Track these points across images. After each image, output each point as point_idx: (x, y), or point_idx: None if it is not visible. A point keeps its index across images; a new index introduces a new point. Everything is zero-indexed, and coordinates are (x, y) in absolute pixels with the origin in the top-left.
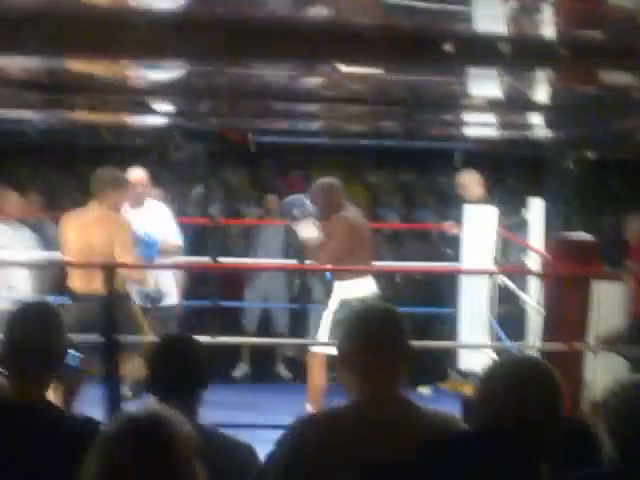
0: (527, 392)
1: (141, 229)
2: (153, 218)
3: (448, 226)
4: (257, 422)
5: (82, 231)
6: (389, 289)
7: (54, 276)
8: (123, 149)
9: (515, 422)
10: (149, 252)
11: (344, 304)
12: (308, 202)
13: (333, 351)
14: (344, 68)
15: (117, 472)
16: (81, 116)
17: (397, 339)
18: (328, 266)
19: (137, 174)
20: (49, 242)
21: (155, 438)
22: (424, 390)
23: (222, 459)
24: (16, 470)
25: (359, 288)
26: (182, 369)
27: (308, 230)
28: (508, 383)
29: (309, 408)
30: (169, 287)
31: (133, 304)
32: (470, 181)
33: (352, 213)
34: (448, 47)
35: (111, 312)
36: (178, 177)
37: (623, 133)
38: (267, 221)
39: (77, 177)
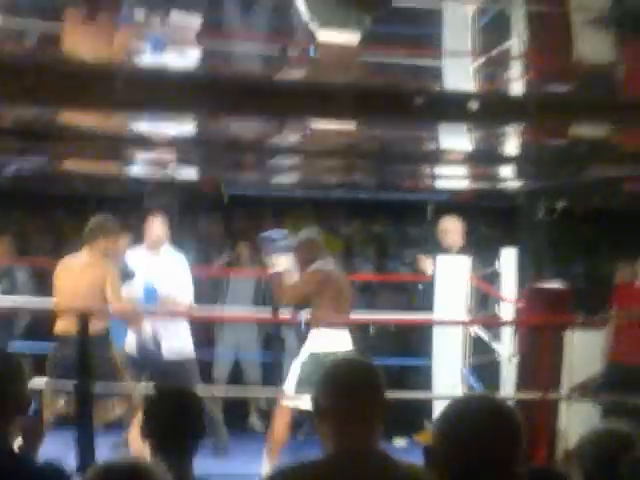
0: (483, 428)
1: (148, 276)
2: (166, 267)
3: (422, 261)
4: (231, 472)
5: (69, 276)
6: (363, 340)
7: (30, 321)
8: (96, 197)
9: (477, 461)
10: (148, 301)
11: (313, 357)
12: (288, 238)
13: (301, 404)
14: (319, 125)
15: None
16: (56, 165)
17: (372, 391)
18: (302, 317)
19: (157, 221)
20: (19, 288)
21: None
22: (399, 442)
23: None
24: None
25: (332, 341)
26: (178, 420)
27: (283, 263)
28: (464, 422)
29: (266, 460)
30: (184, 341)
31: (112, 350)
32: (453, 228)
33: (327, 266)
34: (419, 102)
35: (84, 356)
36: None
37: (592, 183)
38: (238, 270)
39: (50, 223)
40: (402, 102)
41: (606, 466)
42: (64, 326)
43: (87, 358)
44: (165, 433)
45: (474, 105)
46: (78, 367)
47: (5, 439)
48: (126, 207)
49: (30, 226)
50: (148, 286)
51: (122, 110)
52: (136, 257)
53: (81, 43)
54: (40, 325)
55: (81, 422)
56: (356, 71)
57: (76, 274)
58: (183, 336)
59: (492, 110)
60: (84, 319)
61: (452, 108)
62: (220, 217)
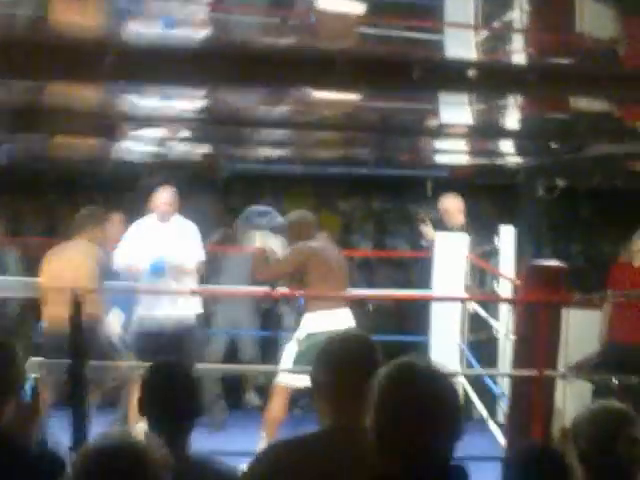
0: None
1: (158, 245)
2: (176, 235)
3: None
4: (228, 449)
5: (58, 263)
6: (361, 317)
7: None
8: (93, 176)
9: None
10: (154, 273)
11: (310, 337)
12: (278, 216)
13: (297, 383)
14: (316, 94)
15: None
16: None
17: (369, 368)
18: (298, 293)
19: (163, 193)
20: (9, 270)
21: (121, 465)
22: None
23: None
24: None
25: (329, 321)
26: (173, 396)
27: (265, 240)
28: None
29: (263, 437)
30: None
31: (107, 333)
32: (454, 207)
33: (318, 243)
34: (418, 70)
35: (76, 337)
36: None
37: (593, 160)
38: (233, 248)
39: (44, 204)
40: (401, 70)
41: (602, 444)
42: (54, 312)
43: (80, 339)
44: (161, 409)
45: (473, 73)
46: (71, 348)
47: None
48: (119, 189)
49: (22, 208)
50: (156, 261)
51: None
52: (146, 226)
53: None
54: (31, 308)
55: (75, 402)
56: (354, 42)
57: (64, 262)
58: (190, 307)
59: (491, 79)
60: (77, 300)
61: (451, 76)
62: (218, 195)
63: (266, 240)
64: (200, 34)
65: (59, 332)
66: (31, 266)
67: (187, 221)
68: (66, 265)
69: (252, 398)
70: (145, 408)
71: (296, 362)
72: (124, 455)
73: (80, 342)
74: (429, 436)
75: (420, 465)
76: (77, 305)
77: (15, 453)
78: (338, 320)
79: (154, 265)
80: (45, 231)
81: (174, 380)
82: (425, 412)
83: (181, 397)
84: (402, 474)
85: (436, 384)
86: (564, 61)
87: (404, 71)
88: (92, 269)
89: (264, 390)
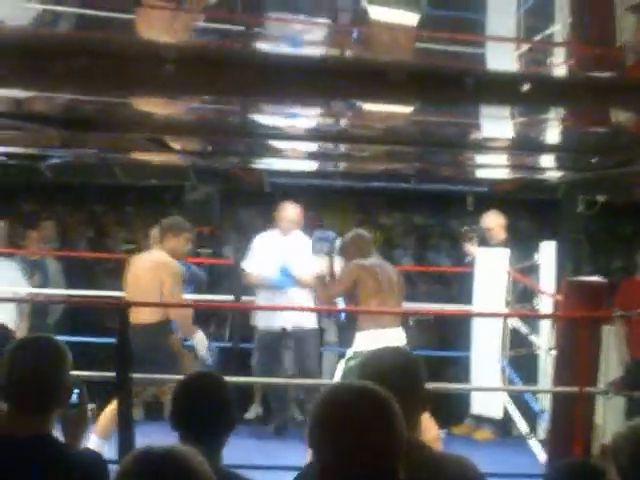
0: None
1: (281, 258)
2: (297, 249)
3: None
4: (270, 464)
5: (135, 272)
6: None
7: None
8: (137, 189)
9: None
10: (283, 281)
11: (357, 355)
12: (336, 240)
13: None
14: (367, 107)
15: None
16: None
17: (413, 383)
18: (342, 307)
19: (288, 209)
20: (51, 280)
21: (170, 475)
22: None
23: None
24: None
25: (378, 340)
26: (209, 409)
27: (317, 265)
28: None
29: (307, 451)
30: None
31: (171, 338)
32: (497, 224)
33: (370, 261)
34: (469, 82)
35: (123, 347)
36: (192, 217)
37: (633, 175)
38: None
39: (90, 215)
40: (452, 83)
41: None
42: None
43: (127, 350)
44: (193, 421)
45: (526, 87)
46: (117, 357)
47: (42, 423)
48: (168, 199)
49: (69, 218)
50: (284, 267)
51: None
52: (270, 239)
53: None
54: (72, 317)
55: (121, 412)
56: (409, 54)
57: (140, 271)
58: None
59: (543, 92)
60: (124, 311)
61: (504, 89)
62: (261, 208)
63: (318, 264)
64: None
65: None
66: (74, 277)
67: (306, 236)
68: (143, 274)
69: (294, 413)
70: (177, 420)
71: (342, 379)
72: (171, 461)
73: (127, 353)
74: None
75: None
76: (124, 317)
77: (60, 458)
78: (388, 340)
79: (283, 269)
80: (90, 243)
81: (207, 392)
82: (353, 436)
83: (214, 409)
84: None
85: (362, 407)
86: (607, 74)
87: (456, 84)
88: (165, 280)
89: (303, 404)
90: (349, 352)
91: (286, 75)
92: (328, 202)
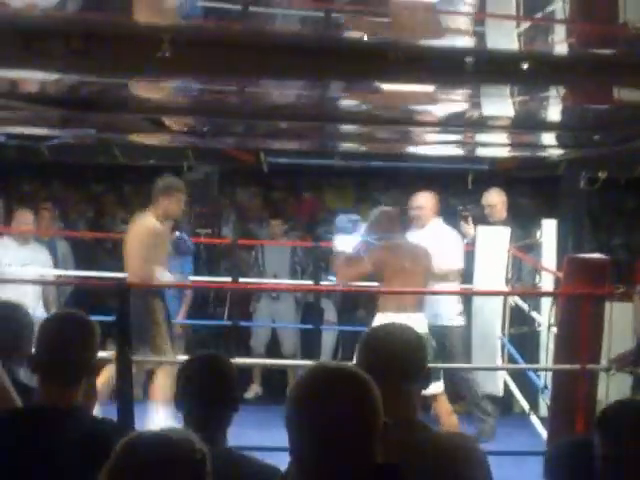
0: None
1: None
2: (432, 241)
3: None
4: (270, 444)
5: (125, 238)
6: None
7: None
8: (136, 169)
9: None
10: None
11: None
12: (358, 221)
13: None
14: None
15: None
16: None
17: (413, 360)
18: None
19: (421, 198)
20: (60, 260)
21: (157, 460)
22: None
23: None
24: (46, 471)
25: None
26: (213, 389)
27: (345, 244)
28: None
29: None
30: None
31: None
32: (500, 201)
33: (397, 241)
34: (470, 61)
35: (124, 327)
36: (191, 197)
37: (635, 152)
38: (278, 243)
39: (89, 195)
40: (453, 62)
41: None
42: None
43: (126, 327)
44: (196, 401)
45: (525, 65)
46: (117, 335)
47: (72, 395)
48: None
49: (70, 198)
50: None
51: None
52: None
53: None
54: (83, 297)
55: (121, 391)
56: (433, 32)
57: (127, 237)
58: (443, 304)
59: (544, 70)
60: (123, 291)
61: (504, 68)
62: (259, 188)
63: (345, 244)
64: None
65: None
66: (80, 257)
67: (446, 227)
68: (127, 239)
69: (255, 389)
70: (180, 401)
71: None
72: (165, 446)
73: (126, 332)
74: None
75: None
76: (124, 297)
77: (88, 428)
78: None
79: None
80: (89, 223)
81: (212, 373)
82: (324, 428)
83: (218, 390)
84: None
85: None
86: (608, 51)
87: (456, 63)
88: (140, 245)
89: None
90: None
91: (285, 55)
92: (327, 181)
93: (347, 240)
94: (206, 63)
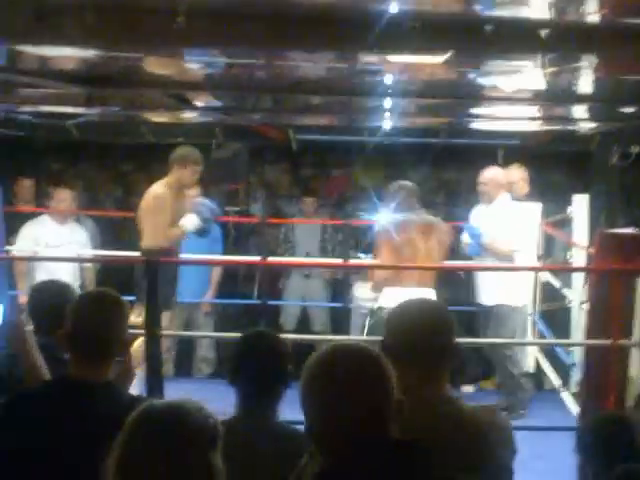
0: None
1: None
2: (496, 217)
3: None
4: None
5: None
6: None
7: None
8: (164, 147)
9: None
10: (473, 248)
11: (381, 310)
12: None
13: None
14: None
15: (130, 459)
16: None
17: (443, 336)
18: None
19: (487, 173)
20: (90, 239)
21: (168, 431)
22: (467, 388)
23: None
24: (74, 445)
25: (404, 298)
26: (267, 366)
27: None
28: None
29: None
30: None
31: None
32: (519, 178)
33: (406, 217)
34: (489, 29)
35: (152, 305)
36: (219, 175)
37: None
38: (309, 221)
39: (118, 174)
40: (472, 30)
41: None
42: None
43: (155, 304)
44: (249, 377)
45: (545, 32)
46: (146, 312)
47: (104, 374)
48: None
49: (97, 177)
50: (472, 228)
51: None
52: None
53: None
54: (108, 276)
55: (150, 368)
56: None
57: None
58: (510, 284)
59: (564, 38)
60: (152, 267)
61: (523, 36)
62: (288, 166)
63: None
64: None
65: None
66: (107, 236)
67: (515, 203)
68: (139, 211)
69: None
70: (233, 376)
71: (368, 334)
72: (174, 414)
73: (155, 309)
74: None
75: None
76: (153, 273)
77: (120, 404)
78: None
79: (470, 229)
80: (118, 202)
81: (266, 349)
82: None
83: (272, 365)
84: (339, 467)
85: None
86: (636, 20)
87: (474, 31)
88: (147, 212)
89: None
90: (374, 308)
91: (299, 24)
92: (356, 158)
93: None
94: (223, 34)
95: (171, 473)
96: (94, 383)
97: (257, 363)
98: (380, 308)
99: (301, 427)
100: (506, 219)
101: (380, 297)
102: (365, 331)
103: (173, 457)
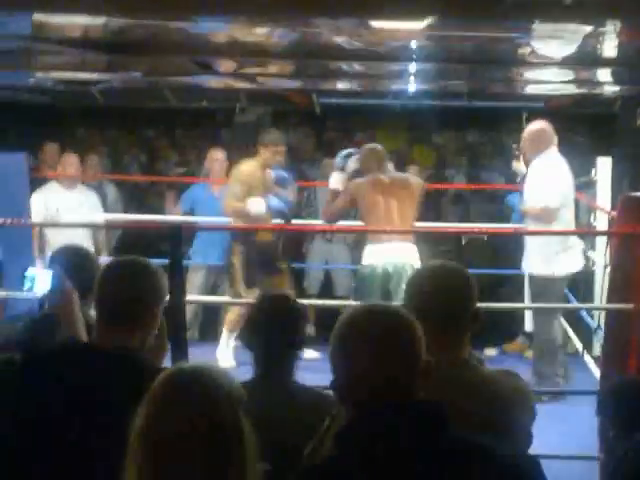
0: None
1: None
2: (532, 176)
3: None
4: (324, 384)
5: None
6: (455, 250)
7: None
8: (188, 111)
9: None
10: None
11: (365, 268)
12: (350, 156)
13: None
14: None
15: (159, 426)
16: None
17: (464, 300)
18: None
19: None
20: (109, 204)
21: (199, 392)
22: (490, 352)
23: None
24: (83, 411)
25: (386, 253)
26: (281, 329)
27: (333, 181)
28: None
29: None
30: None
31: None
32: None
33: (371, 177)
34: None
35: (176, 270)
36: (243, 139)
37: None
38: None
39: (142, 139)
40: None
41: None
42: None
43: (179, 269)
44: (263, 339)
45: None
46: (170, 277)
47: (129, 341)
48: (219, 122)
49: (122, 143)
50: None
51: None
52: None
53: None
54: (133, 241)
55: (174, 332)
56: None
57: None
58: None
59: (586, 5)
60: (175, 233)
61: (544, 3)
62: (312, 130)
63: (334, 181)
64: None
65: None
66: (132, 201)
67: (553, 162)
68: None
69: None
70: (247, 338)
71: (354, 295)
72: (198, 377)
73: (179, 274)
74: (380, 373)
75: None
76: (177, 238)
77: (143, 372)
78: (396, 253)
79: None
80: (143, 166)
81: (280, 312)
82: (370, 349)
83: (287, 328)
84: (363, 419)
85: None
86: None
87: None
88: (230, 185)
89: None
90: (359, 266)
91: None
92: (379, 122)
93: (337, 176)
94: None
95: (206, 436)
96: (111, 351)
97: (270, 326)
98: (364, 266)
99: (319, 388)
100: (537, 179)
101: (364, 255)
102: (353, 290)
103: (207, 418)
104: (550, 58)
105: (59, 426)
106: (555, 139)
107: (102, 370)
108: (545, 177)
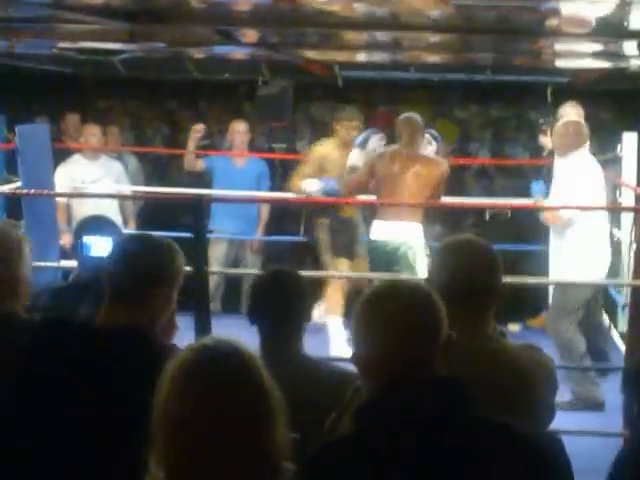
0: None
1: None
2: (567, 171)
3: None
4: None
5: None
6: (478, 225)
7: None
8: (210, 84)
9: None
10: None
11: (373, 243)
12: (375, 135)
13: None
14: None
15: (182, 401)
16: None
17: (488, 275)
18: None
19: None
20: (130, 176)
21: (226, 366)
22: (514, 327)
23: (330, 390)
24: (90, 387)
25: (390, 231)
26: (283, 303)
27: (353, 158)
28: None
29: None
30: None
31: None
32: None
33: (391, 150)
34: None
35: (199, 243)
36: (265, 112)
37: None
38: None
39: (164, 111)
40: None
41: None
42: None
43: (202, 242)
44: (267, 314)
45: None
46: (194, 250)
47: (138, 318)
48: (241, 94)
49: (144, 114)
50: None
51: None
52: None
53: None
54: (152, 213)
55: (198, 308)
56: None
57: None
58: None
59: None
60: (198, 206)
61: None
62: (334, 102)
63: (352, 158)
64: None
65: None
66: (154, 173)
67: (587, 162)
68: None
69: None
70: (252, 314)
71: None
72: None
73: (202, 247)
74: (406, 349)
75: (403, 381)
76: (200, 211)
77: (153, 348)
78: (401, 231)
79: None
80: (165, 139)
81: (283, 285)
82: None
83: (290, 302)
84: (385, 395)
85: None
86: None
87: None
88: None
89: None
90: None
91: None
92: (402, 95)
93: (359, 155)
94: None
95: (239, 408)
96: (114, 328)
97: (272, 301)
98: (371, 241)
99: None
100: (570, 181)
101: (372, 230)
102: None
103: (237, 392)
104: (578, 27)
105: (57, 400)
106: (588, 134)
107: (104, 348)
108: (576, 185)
